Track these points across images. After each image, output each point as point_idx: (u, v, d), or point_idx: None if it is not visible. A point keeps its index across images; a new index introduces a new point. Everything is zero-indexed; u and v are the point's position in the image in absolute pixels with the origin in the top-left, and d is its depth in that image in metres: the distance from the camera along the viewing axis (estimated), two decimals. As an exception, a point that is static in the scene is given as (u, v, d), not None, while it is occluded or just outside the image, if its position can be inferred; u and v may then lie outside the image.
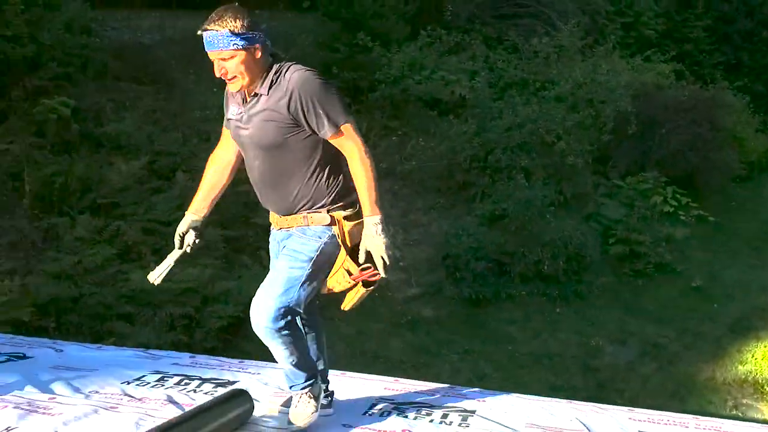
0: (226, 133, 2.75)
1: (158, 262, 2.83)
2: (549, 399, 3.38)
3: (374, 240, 2.50)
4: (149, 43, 11.31)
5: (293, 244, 2.60)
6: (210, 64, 2.50)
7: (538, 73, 11.72)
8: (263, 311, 2.54)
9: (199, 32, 2.43)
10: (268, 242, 2.81)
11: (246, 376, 3.44)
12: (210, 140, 8.91)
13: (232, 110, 2.61)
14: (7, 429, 2.62)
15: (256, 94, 2.52)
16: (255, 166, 2.61)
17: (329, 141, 2.52)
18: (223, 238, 8.31)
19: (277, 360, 2.70)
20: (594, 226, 10.39)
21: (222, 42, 2.41)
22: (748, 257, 10.85)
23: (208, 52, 2.45)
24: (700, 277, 10.02)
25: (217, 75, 2.49)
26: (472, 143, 10.24)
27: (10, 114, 8.10)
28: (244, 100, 2.57)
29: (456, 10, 12.97)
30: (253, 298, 2.61)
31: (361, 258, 2.53)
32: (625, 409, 3.27)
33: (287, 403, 2.80)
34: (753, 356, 8.38)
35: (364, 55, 10.94)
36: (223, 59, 2.44)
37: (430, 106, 11.31)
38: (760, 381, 7.96)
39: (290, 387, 2.74)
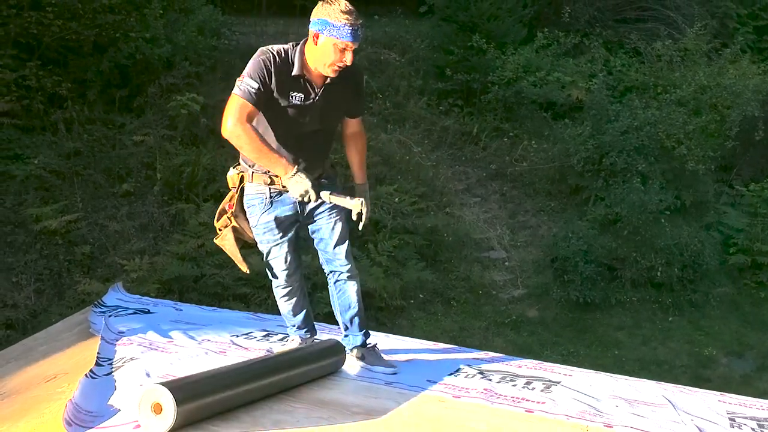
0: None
1: None
2: (638, 379, 3.38)
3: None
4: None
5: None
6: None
7: (659, 77, 11.36)
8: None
9: (344, 21, 2.66)
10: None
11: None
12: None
13: (298, 95, 2.82)
14: (131, 359, 2.97)
15: (327, 83, 2.83)
16: (309, 144, 2.94)
17: (350, 121, 3.09)
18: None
19: None
20: (714, 234, 9.94)
21: (362, 34, 2.75)
22: None
23: (351, 43, 2.70)
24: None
25: (348, 63, 2.74)
26: (586, 146, 10.07)
27: (147, 109, 8.80)
28: (312, 87, 2.84)
29: (575, 13, 12.80)
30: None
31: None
32: (717, 393, 3.22)
33: (363, 358, 3.13)
34: None
35: (478, 58, 11.03)
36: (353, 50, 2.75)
37: (544, 108, 11.24)
38: None
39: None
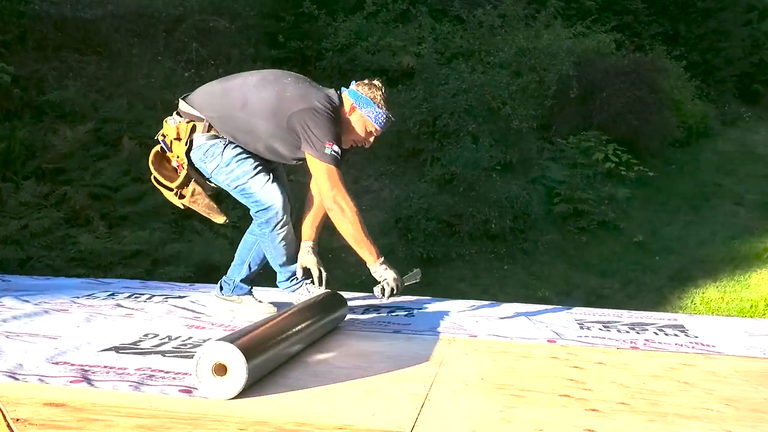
0: None
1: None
2: (490, 302, 3.55)
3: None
4: (91, 18, 11.11)
5: None
6: None
7: (483, 42, 11.92)
8: None
9: (385, 111, 2.81)
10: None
11: (198, 293, 3.50)
12: (155, 108, 8.85)
13: None
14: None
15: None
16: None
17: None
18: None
19: None
20: (539, 187, 10.66)
21: None
22: (686, 215, 11.28)
23: (380, 130, 2.86)
24: (642, 233, 10.39)
25: (367, 146, 2.93)
26: (420, 109, 10.38)
27: (-55, 80, 7.87)
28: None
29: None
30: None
31: None
32: (563, 307, 3.46)
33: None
34: (692, 302, 8.74)
35: (310, 24, 10.96)
36: None
37: (378, 75, 11.40)
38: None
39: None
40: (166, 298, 3.33)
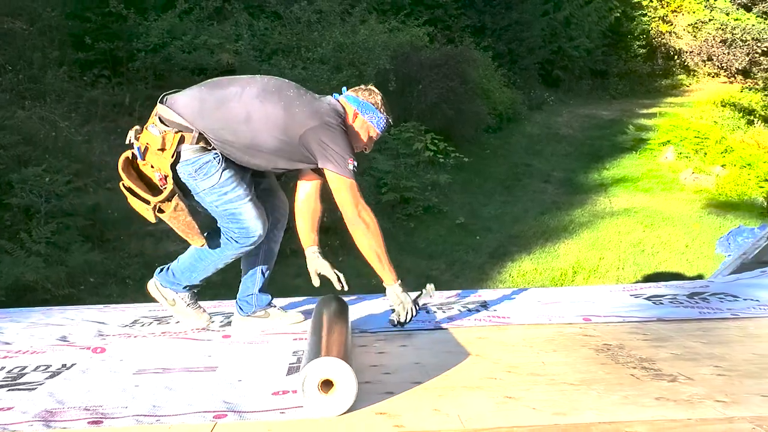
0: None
1: None
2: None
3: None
4: None
5: None
6: None
7: (301, 38, 12.04)
8: None
9: (386, 115, 2.88)
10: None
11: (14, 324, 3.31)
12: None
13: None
14: None
15: None
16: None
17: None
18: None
19: None
20: (368, 178, 10.99)
21: None
22: (501, 195, 12.14)
23: (380, 134, 2.91)
24: (463, 215, 11.04)
25: (367, 151, 2.97)
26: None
27: None
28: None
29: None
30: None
31: None
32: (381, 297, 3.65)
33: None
34: (510, 275, 9.46)
35: (119, 24, 10.49)
36: None
37: (196, 74, 11.15)
38: (517, 296, 9.02)
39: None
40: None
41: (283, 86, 2.77)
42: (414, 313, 2.77)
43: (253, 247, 2.83)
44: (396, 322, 2.75)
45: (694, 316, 3.12)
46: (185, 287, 2.92)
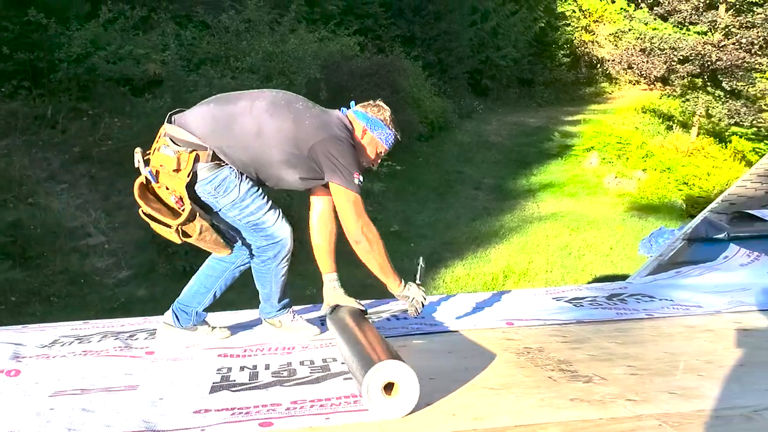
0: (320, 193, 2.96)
1: None
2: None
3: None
4: None
5: None
6: None
7: (230, 48, 11.93)
8: None
9: (394, 132, 2.85)
10: None
11: None
12: None
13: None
14: None
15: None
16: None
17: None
18: None
19: None
20: (299, 188, 10.97)
21: None
22: (434, 203, 12.32)
23: (387, 150, 2.88)
24: (397, 222, 11.14)
25: (374, 167, 2.94)
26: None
27: None
28: None
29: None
30: None
31: None
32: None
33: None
34: (444, 281, 9.59)
35: (39, 34, 10.15)
36: None
37: (122, 84, 10.91)
38: (450, 301, 9.16)
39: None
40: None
41: (292, 99, 2.75)
42: (424, 299, 2.91)
43: (287, 260, 2.87)
44: (415, 315, 2.93)
45: (612, 317, 3.24)
46: (280, 309, 2.99)
